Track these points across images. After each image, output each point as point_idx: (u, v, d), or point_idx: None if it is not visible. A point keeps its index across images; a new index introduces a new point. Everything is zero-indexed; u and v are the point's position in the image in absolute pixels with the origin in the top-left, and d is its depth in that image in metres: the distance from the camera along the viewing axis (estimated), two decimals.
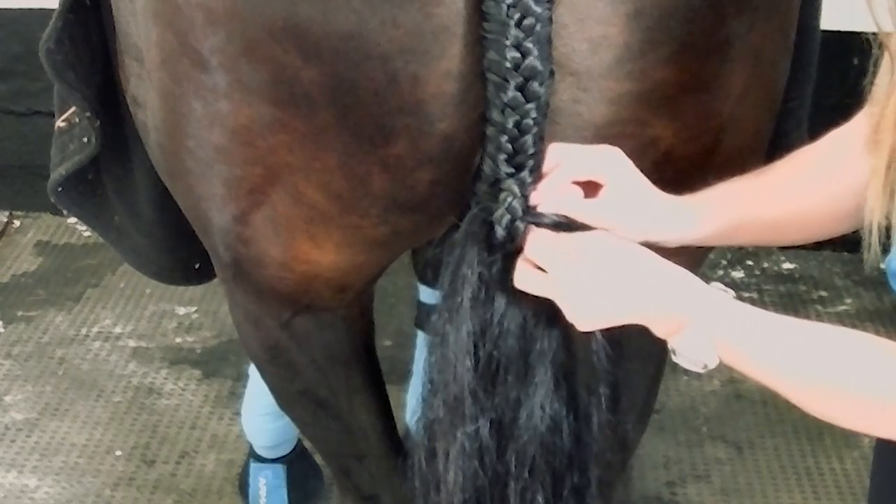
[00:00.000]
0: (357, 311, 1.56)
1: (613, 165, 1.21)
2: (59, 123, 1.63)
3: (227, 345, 2.94)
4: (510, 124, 1.17)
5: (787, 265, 3.23)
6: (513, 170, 1.20)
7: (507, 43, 1.13)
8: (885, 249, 1.13)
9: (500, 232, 1.21)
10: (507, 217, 1.21)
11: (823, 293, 3.12)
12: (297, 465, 2.44)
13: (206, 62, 1.23)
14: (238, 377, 2.77)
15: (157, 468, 2.59)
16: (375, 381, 1.64)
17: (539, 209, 1.21)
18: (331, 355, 1.57)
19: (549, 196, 1.21)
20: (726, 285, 1.17)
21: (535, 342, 1.25)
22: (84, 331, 3.03)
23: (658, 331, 1.16)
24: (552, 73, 1.16)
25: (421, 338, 2.49)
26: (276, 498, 2.41)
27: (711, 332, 1.13)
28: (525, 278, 1.21)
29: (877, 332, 1.11)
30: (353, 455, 1.70)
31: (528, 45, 1.13)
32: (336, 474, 1.83)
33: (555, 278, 1.18)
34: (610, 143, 1.22)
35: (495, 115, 1.17)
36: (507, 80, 1.15)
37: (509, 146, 1.19)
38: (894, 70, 1.11)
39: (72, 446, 2.65)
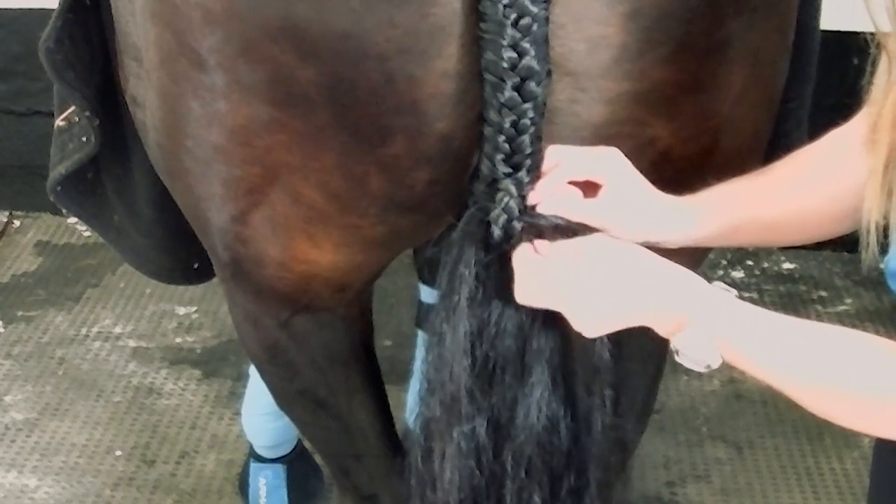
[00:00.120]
0: (356, 311, 1.56)
1: (612, 166, 1.21)
2: (59, 123, 1.63)
3: (227, 345, 2.93)
4: (507, 124, 1.17)
5: (787, 265, 3.23)
6: (510, 170, 1.20)
7: (504, 43, 1.13)
8: (884, 249, 1.13)
9: (496, 232, 1.21)
10: (504, 217, 1.21)
11: (823, 293, 3.11)
12: (297, 465, 2.43)
13: (204, 62, 1.23)
14: (238, 377, 2.76)
15: (157, 468, 2.59)
16: (374, 380, 1.64)
17: (537, 209, 1.21)
18: (330, 355, 1.57)
19: (547, 196, 1.20)
20: (726, 285, 1.17)
21: (532, 342, 1.25)
22: (84, 331, 3.03)
23: (660, 330, 1.16)
24: (549, 73, 1.16)
25: (421, 337, 2.48)
26: (276, 498, 2.41)
27: (712, 331, 1.12)
28: (525, 291, 1.20)
29: (877, 332, 1.11)
30: (352, 455, 1.70)
31: (525, 45, 1.13)
32: (335, 474, 1.83)
33: (554, 280, 1.18)
34: (608, 144, 1.22)
35: (492, 115, 1.17)
36: (504, 80, 1.15)
37: (506, 146, 1.18)
38: (892, 69, 1.11)
39: (72, 446, 2.65)
